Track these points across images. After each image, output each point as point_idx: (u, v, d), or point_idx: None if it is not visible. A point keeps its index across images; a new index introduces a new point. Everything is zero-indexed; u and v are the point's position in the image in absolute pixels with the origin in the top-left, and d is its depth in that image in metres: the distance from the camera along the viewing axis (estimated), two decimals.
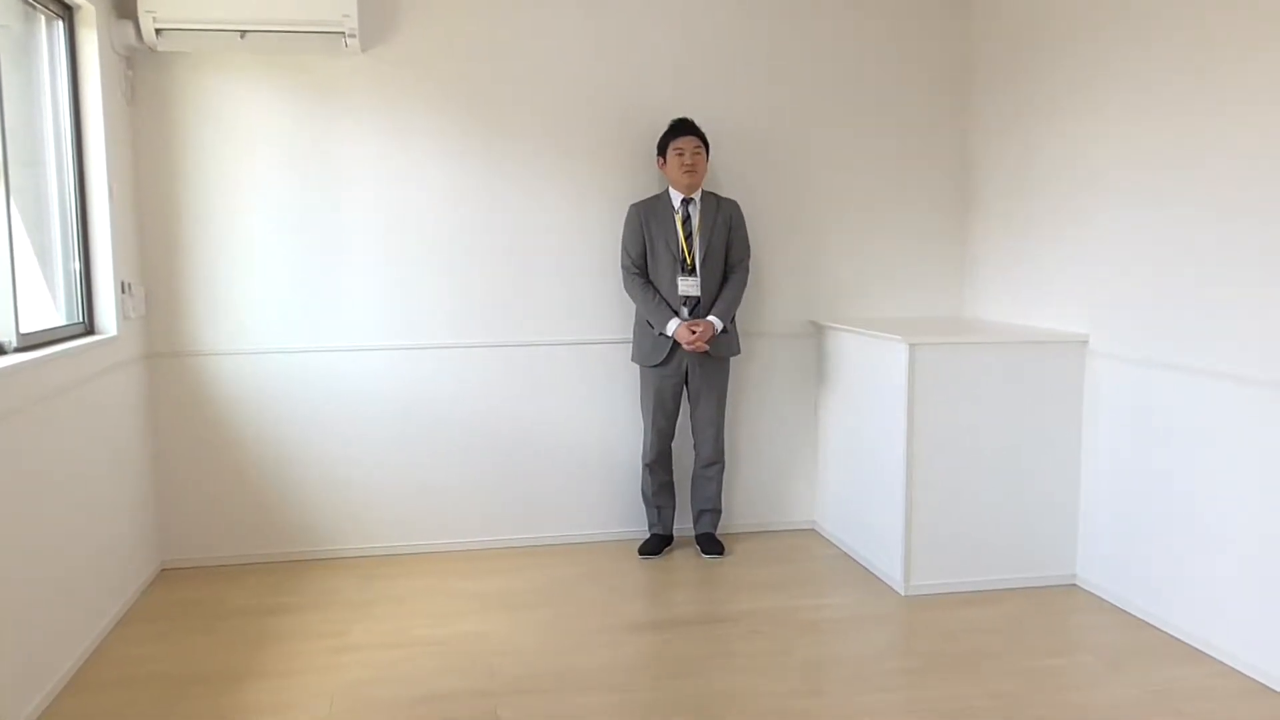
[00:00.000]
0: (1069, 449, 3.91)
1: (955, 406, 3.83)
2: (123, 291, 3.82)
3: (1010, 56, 4.31)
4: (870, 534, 4.14)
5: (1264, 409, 3.06)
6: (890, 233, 4.66)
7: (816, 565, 4.25)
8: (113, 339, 3.72)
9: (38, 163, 3.48)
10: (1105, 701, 2.99)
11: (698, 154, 4.16)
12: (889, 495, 3.93)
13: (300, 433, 4.25)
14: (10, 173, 3.05)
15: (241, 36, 3.86)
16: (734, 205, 4.29)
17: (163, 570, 4.17)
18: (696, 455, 4.38)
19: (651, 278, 4.23)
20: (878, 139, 4.60)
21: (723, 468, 4.37)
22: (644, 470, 4.37)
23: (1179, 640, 3.40)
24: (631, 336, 4.36)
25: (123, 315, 3.81)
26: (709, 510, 4.39)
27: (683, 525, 4.50)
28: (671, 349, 4.18)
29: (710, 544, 4.33)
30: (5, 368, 2.79)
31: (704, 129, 4.20)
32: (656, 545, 4.35)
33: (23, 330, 3.09)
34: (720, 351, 4.23)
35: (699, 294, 4.18)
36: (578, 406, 4.47)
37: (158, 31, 3.79)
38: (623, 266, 4.28)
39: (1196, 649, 3.33)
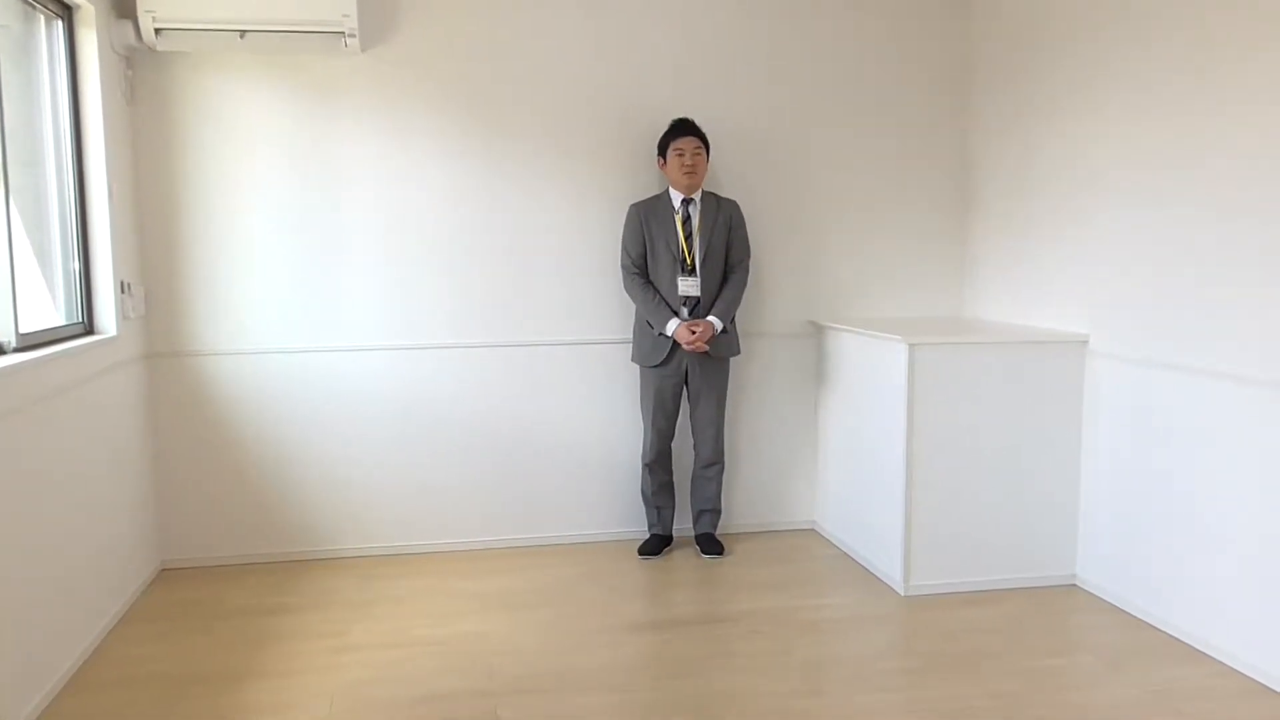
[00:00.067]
0: (1069, 449, 3.91)
1: (955, 406, 3.83)
2: (122, 291, 3.82)
3: (1010, 56, 4.31)
4: (870, 534, 4.14)
5: (1264, 409, 3.06)
6: (890, 233, 4.66)
7: (816, 565, 4.25)
8: (112, 339, 3.72)
9: (37, 163, 3.48)
10: (1105, 701, 2.99)
11: (698, 154, 4.16)
12: (889, 495, 3.93)
13: (300, 433, 4.25)
14: (10, 173, 3.05)
15: (241, 36, 3.86)
16: (734, 205, 4.29)
17: (162, 570, 4.17)
18: (696, 455, 4.38)
19: (651, 278, 4.23)
20: (878, 139, 4.60)
21: (722, 468, 4.37)
22: (644, 470, 4.37)
23: (1179, 640, 3.40)
24: (631, 336, 4.36)
25: (122, 315, 3.81)
26: (709, 510, 4.39)
27: (682, 525, 4.50)
28: (671, 349, 4.18)
29: (710, 544, 4.33)
30: (5, 368, 2.79)
31: (704, 129, 4.20)
32: (656, 545, 4.35)
33: (22, 330, 3.09)
34: (720, 352, 4.23)
35: (699, 294, 4.18)
36: (578, 406, 4.47)
37: (157, 31, 3.78)
38: (623, 266, 4.28)
39: (1196, 649, 3.33)
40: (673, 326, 4.14)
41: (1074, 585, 3.94)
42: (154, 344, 4.13)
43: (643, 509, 4.45)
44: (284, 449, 4.25)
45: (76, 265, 3.66)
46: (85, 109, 3.66)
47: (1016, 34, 4.26)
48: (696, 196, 4.22)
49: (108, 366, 3.64)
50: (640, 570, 4.19)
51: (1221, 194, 3.21)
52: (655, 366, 4.23)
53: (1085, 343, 3.85)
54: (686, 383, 4.29)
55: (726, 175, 4.47)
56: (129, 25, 3.80)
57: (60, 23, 3.56)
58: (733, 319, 4.28)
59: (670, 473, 4.40)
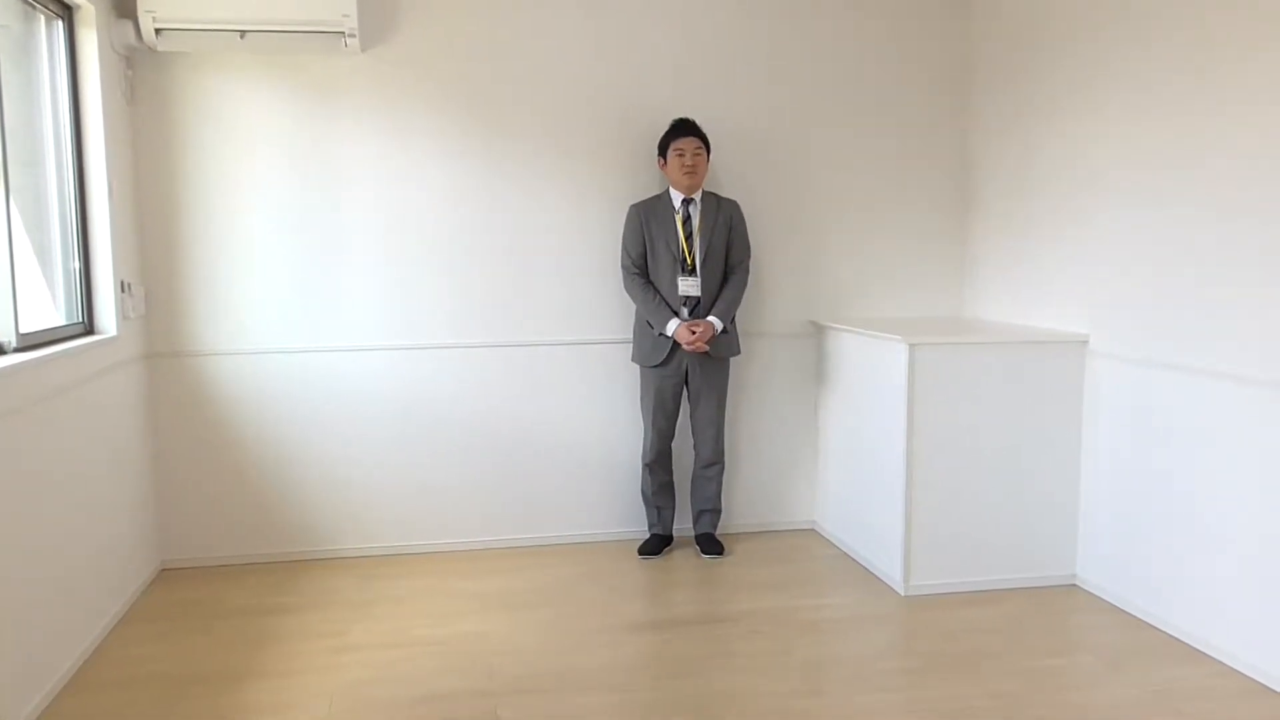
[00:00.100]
0: (1069, 449, 3.91)
1: (955, 406, 3.83)
2: (122, 291, 3.82)
3: (1010, 56, 4.31)
4: (870, 534, 4.14)
5: (1264, 409, 3.06)
6: (890, 233, 4.66)
7: (816, 565, 4.25)
8: (112, 339, 3.72)
9: (37, 162, 3.48)
10: (1105, 701, 2.99)
11: (698, 155, 4.16)
12: (889, 495, 3.93)
13: (300, 433, 4.25)
14: (10, 172, 3.05)
15: (241, 36, 3.86)
16: (734, 205, 4.29)
17: (162, 570, 4.17)
18: (696, 455, 4.38)
19: (652, 278, 4.23)
20: (878, 139, 4.60)
21: (723, 468, 4.37)
22: (644, 470, 4.37)
23: (1179, 640, 3.40)
24: (631, 336, 4.36)
25: (122, 315, 3.81)
26: (709, 510, 4.39)
27: (682, 525, 4.50)
28: (671, 349, 4.18)
29: (710, 544, 4.33)
30: (5, 368, 2.79)
31: (704, 129, 4.20)
32: (656, 545, 4.35)
33: (22, 330, 3.09)
34: (720, 352, 4.23)
35: (699, 294, 4.18)
36: (578, 406, 4.47)
37: (157, 31, 3.78)
38: (623, 266, 4.28)
39: (1196, 649, 3.33)
40: (673, 326, 4.14)
41: (1074, 585, 3.94)
42: (154, 344, 4.13)
43: (643, 509, 4.45)
44: (284, 449, 4.25)
45: (76, 265, 3.66)
46: (85, 109, 3.66)
47: (1016, 34, 4.26)
48: (697, 196, 4.22)
49: (108, 366, 3.64)
50: (640, 570, 4.19)
51: (1221, 194, 3.21)
52: (655, 366, 4.23)
53: (1085, 343, 3.85)
54: (687, 383, 4.29)
55: (726, 175, 4.47)
56: (129, 25, 3.81)
57: (60, 23, 3.56)
58: (733, 319, 4.28)
59: (670, 473, 4.40)
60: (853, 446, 4.34)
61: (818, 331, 4.62)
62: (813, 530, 4.71)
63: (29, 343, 3.13)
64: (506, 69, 4.28)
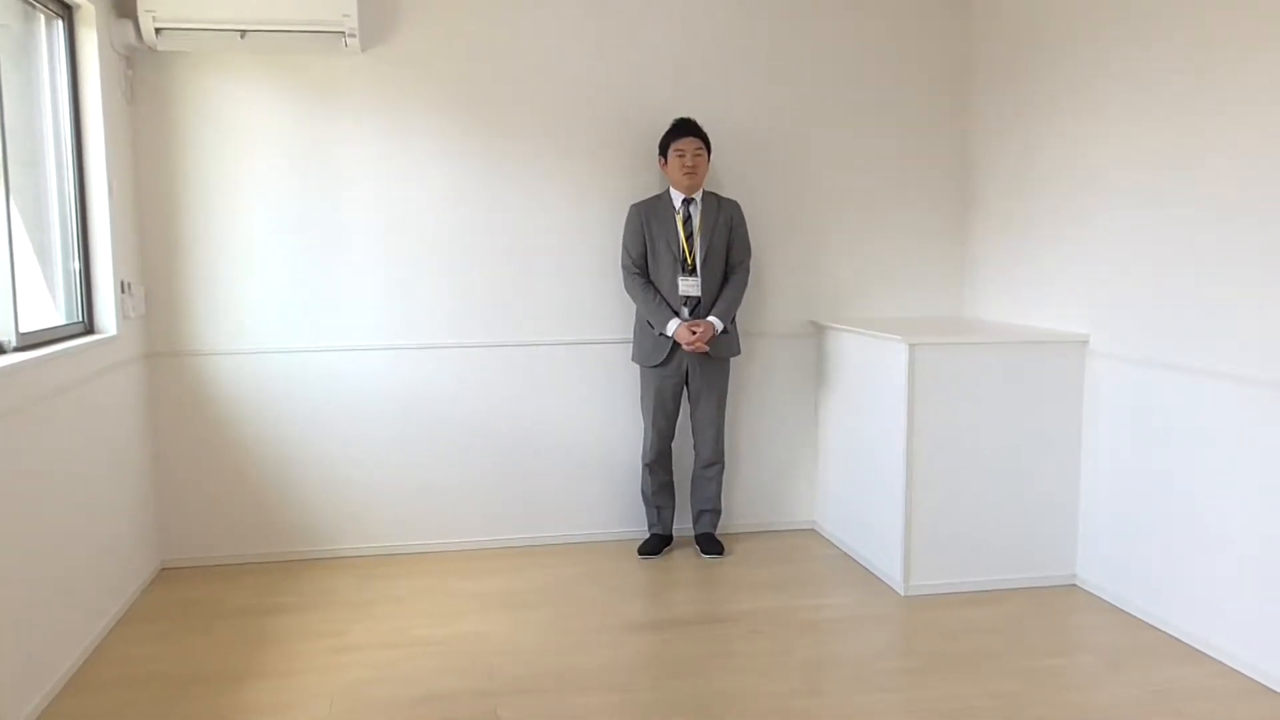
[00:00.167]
0: (1069, 449, 3.91)
1: (955, 406, 3.83)
2: (122, 291, 3.82)
3: (1010, 56, 4.31)
4: (870, 534, 4.14)
5: (1264, 409, 3.06)
6: (890, 233, 4.66)
7: (816, 565, 4.25)
8: (112, 338, 3.72)
9: (37, 162, 3.48)
10: (1105, 701, 2.99)
11: (699, 155, 4.16)
12: (889, 495, 3.93)
13: (300, 433, 4.25)
14: (10, 172, 3.05)
15: (241, 36, 3.86)
16: (735, 205, 4.29)
17: (162, 570, 4.17)
18: (696, 455, 4.38)
19: (652, 278, 4.23)
20: (878, 139, 4.60)
21: (723, 468, 4.37)
22: (644, 470, 4.37)
23: (1179, 640, 3.40)
24: (631, 336, 4.36)
25: (122, 315, 3.81)
26: (709, 510, 4.39)
27: (682, 525, 4.50)
28: (672, 349, 4.18)
29: (710, 544, 4.33)
30: (4, 367, 2.79)
31: (704, 129, 4.20)
32: (656, 545, 4.35)
33: (22, 330, 3.09)
34: (720, 352, 4.23)
35: (699, 294, 4.18)
36: (578, 406, 4.47)
37: (157, 31, 3.78)
38: (623, 266, 4.28)
39: (1196, 649, 3.33)
40: (673, 326, 4.14)
41: (1074, 585, 3.94)
42: (154, 344, 4.13)
43: (643, 509, 4.45)
44: (284, 449, 4.25)
45: (76, 264, 3.66)
46: (85, 109, 3.66)
47: (1016, 34, 4.26)
48: (697, 196, 4.22)
49: (108, 366, 3.64)
50: (640, 570, 4.19)
51: (1221, 194, 3.21)
52: (655, 366, 4.23)
53: (1085, 343, 3.85)
54: (687, 383, 4.28)
55: (727, 175, 4.47)
56: (129, 25, 3.80)
57: (60, 22, 3.56)
58: (733, 319, 4.28)
59: (670, 472, 4.40)
60: (853, 446, 4.34)
61: (818, 331, 4.62)
62: (813, 530, 4.71)
63: (29, 342, 3.13)
64: (506, 69, 4.28)
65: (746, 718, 2.90)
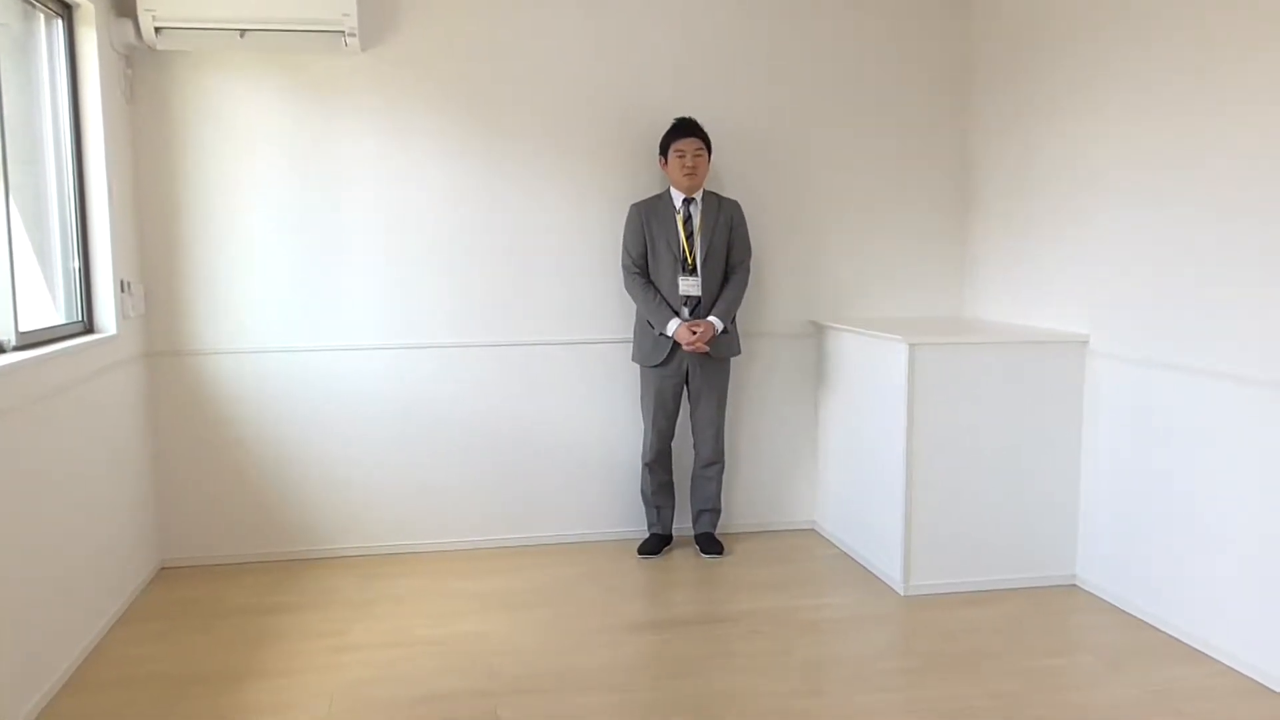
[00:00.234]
0: (1069, 449, 3.91)
1: (955, 406, 3.83)
2: (122, 290, 3.82)
3: (1010, 56, 4.31)
4: (870, 534, 4.14)
5: (1264, 409, 3.06)
6: (890, 233, 4.66)
7: (816, 565, 4.25)
8: (112, 338, 3.72)
9: (37, 161, 3.48)
10: (1105, 701, 2.99)
11: (699, 155, 4.16)
12: (889, 495, 3.93)
13: (300, 433, 4.25)
14: (10, 171, 3.05)
15: (241, 35, 3.85)
16: (735, 205, 4.29)
17: (162, 569, 4.17)
18: (696, 455, 4.38)
19: (652, 278, 4.23)
20: (878, 139, 4.60)
21: (722, 468, 4.37)
22: (644, 470, 4.37)
23: (1179, 640, 3.40)
24: (632, 336, 4.36)
25: (122, 314, 3.81)
26: (708, 510, 4.39)
27: (682, 525, 4.50)
28: (672, 349, 4.18)
29: (710, 544, 4.33)
30: (4, 366, 2.79)
31: (704, 129, 4.20)
32: (656, 545, 4.35)
33: (22, 329, 3.09)
34: (720, 352, 4.23)
35: (700, 294, 4.18)
36: (577, 406, 4.47)
37: (157, 30, 3.78)
38: (623, 266, 4.27)
39: (1196, 649, 3.33)
40: (673, 326, 4.14)
41: (1074, 585, 3.94)
42: (154, 343, 4.13)
43: (642, 509, 4.45)
44: (284, 449, 4.25)
45: (76, 264, 3.66)
46: (85, 108, 3.66)
47: (1016, 34, 4.26)
48: (698, 196, 4.22)
49: (107, 365, 3.64)
50: (640, 570, 4.19)
51: (1221, 194, 3.21)
52: (656, 366, 4.23)
53: (1085, 343, 3.85)
54: (687, 382, 4.28)
55: (727, 175, 4.47)
56: (129, 24, 3.80)
57: (60, 21, 3.56)
58: (733, 319, 4.28)
59: (670, 472, 4.40)
60: (853, 446, 4.34)
61: (818, 331, 4.62)
62: (813, 530, 4.71)
63: (28, 341, 3.13)
64: (506, 69, 4.28)
65: (746, 718, 2.90)
